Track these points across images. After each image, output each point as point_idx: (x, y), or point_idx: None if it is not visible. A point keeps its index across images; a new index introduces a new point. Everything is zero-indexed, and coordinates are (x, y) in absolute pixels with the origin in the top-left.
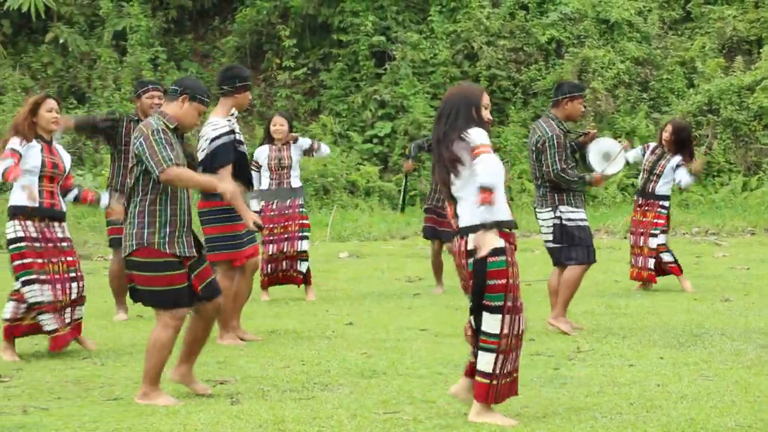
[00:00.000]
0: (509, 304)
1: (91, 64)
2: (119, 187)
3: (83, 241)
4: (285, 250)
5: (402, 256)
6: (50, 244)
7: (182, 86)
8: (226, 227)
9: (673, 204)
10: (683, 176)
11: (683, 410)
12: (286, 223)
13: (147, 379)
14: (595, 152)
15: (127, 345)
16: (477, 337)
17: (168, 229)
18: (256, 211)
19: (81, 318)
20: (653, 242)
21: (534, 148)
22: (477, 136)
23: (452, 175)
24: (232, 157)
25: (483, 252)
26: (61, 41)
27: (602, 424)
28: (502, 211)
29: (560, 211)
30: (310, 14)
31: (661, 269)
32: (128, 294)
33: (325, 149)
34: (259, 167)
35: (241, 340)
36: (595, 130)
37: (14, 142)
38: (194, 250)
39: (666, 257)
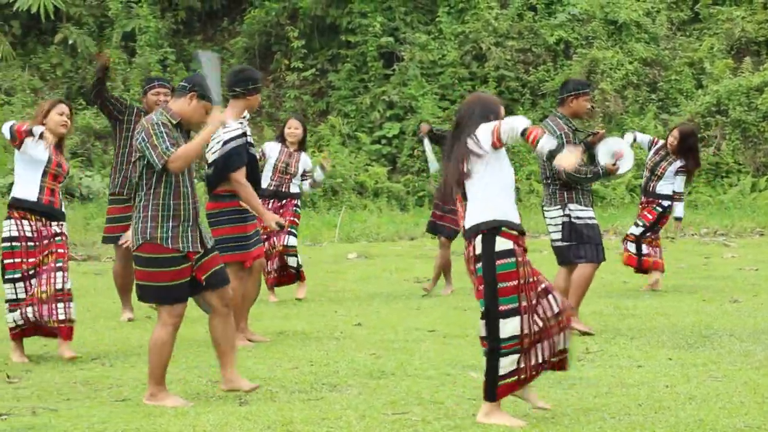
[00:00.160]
0: (524, 303)
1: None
2: (122, 178)
3: (92, 242)
4: (275, 245)
5: (410, 256)
6: (45, 241)
7: (191, 83)
8: (236, 228)
9: None
10: (679, 188)
11: (692, 411)
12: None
13: (152, 380)
14: (604, 152)
15: (135, 346)
16: (487, 344)
17: (171, 224)
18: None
19: (73, 321)
20: (631, 229)
21: None
22: (485, 128)
23: (464, 172)
24: (245, 160)
25: (568, 165)
26: (70, 42)
27: (611, 425)
28: (511, 213)
29: (569, 209)
30: (318, 15)
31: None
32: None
33: (306, 185)
34: (263, 159)
35: (249, 341)
36: (603, 131)
37: (37, 129)
38: (199, 245)
39: (630, 247)
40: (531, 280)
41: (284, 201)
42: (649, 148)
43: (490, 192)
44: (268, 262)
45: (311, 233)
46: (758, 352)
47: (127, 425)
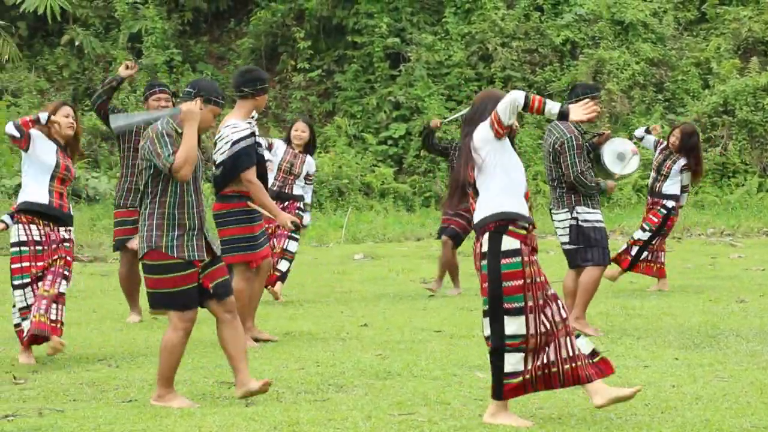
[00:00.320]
0: (530, 303)
1: (106, 66)
2: (127, 190)
3: (98, 243)
4: (274, 246)
5: (417, 257)
6: (53, 246)
7: (196, 88)
8: (243, 229)
9: (687, 205)
10: (685, 182)
11: (698, 411)
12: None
13: (161, 382)
14: (609, 153)
15: (142, 347)
16: (491, 343)
17: (176, 233)
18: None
19: (63, 324)
20: (636, 234)
21: (551, 150)
22: (482, 126)
23: (472, 167)
24: (255, 160)
25: (582, 116)
26: (76, 43)
27: (617, 426)
28: (518, 207)
29: (577, 212)
30: (324, 16)
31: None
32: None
33: (309, 192)
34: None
35: (257, 340)
36: (609, 131)
37: (42, 114)
38: (205, 254)
39: (632, 250)
40: (538, 279)
41: (287, 203)
42: (655, 148)
43: (498, 186)
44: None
45: (317, 234)
46: (765, 352)
47: (133, 426)
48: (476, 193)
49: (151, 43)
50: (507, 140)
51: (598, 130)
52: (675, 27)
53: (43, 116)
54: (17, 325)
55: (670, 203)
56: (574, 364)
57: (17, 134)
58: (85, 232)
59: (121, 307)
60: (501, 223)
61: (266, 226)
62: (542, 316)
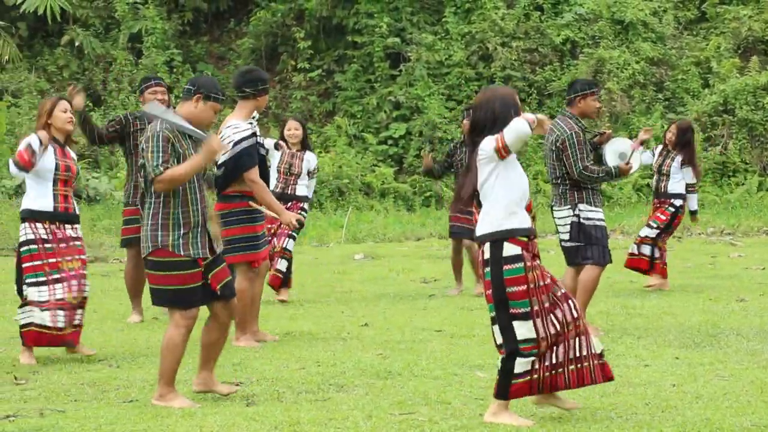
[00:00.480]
0: (536, 308)
1: (106, 66)
2: (136, 182)
3: (99, 243)
4: (275, 245)
5: (417, 257)
6: (62, 244)
7: (196, 85)
8: (246, 228)
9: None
10: (690, 180)
11: (699, 410)
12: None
13: (162, 380)
14: (611, 152)
15: (143, 347)
16: (504, 350)
17: (182, 231)
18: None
19: (81, 324)
20: (643, 231)
21: (553, 148)
22: (490, 138)
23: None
24: (257, 160)
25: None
26: (76, 44)
27: (618, 425)
28: (519, 221)
29: (579, 210)
30: (324, 16)
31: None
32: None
33: (311, 187)
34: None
35: (259, 341)
36: (610, 131)
37: (33, 140)
38: (208, 251)
39: (645, 250)
40: (542, 284)
41: (289, 204)
42: (653, 155)
43: (501, 201)
44: (270, 262)
45: (318, 234)
46: (765, 351)
47: (134, 426)
48: (479, 203)
49: (152, 43)
50: (514, 156)
51: (599, 130)
52: (675, 26)
53: (35, 142)
54: (25, 326)
55: (678, 201)
56: (579, 365)
57: (24, 173)
58: (85, 233)
59: (121, 308)
60: (500, 237)
61: (268, 226)
62: (551, 318)
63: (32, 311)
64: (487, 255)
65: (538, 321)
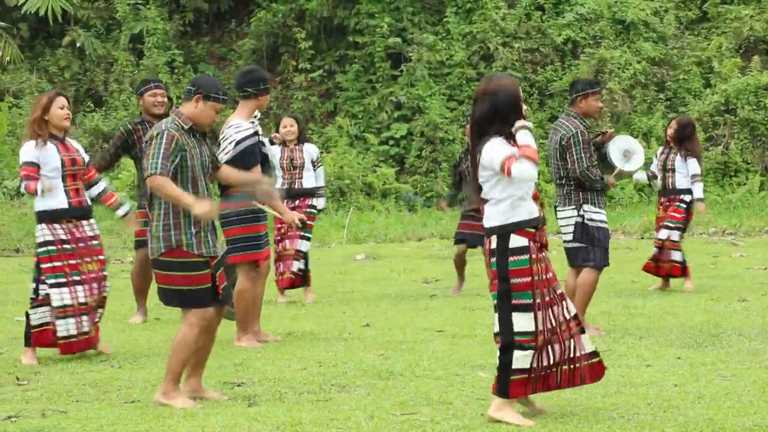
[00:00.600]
0: (538, 300)
1: (108, 67)
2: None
3: None
4: (287, 248)
5: (418, 257)
6: (81, 244)
7: (196, 85)
8: (249, 228)
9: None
10: (695, 170)
11: (701, 410)
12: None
13: (168, 378)
14: (615, 150)
15: (145, 348)
16: (500, 340)
17: (194, 230)
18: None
19: (98, 322)
20: (663, 233)
21: (558, 147)
22: (496, 152)
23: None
24: (259, 158)
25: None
26: (78, 45)
27: (619, 425)
28: (526, 213)
29: (584, 210)
30: (325, 16)
31: (663, 266)
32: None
33: (319, 175)
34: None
35: (260, 342)
36: (612, 130)
37: (28, 153)
38: (217, 250)
39: (675, 256)
40: (544, 277)
41: (297, 201)
42: (648, 175)
43: (506, 198)
44: (280, 264)
45: (319, 234)
46: (767, 351)
47: (136, 427)
48: (484, 201)
49: (153, 44)
50: None
51: (601, 129)
52: (676, 26)
53: (40, 188)
54: (40, 326)
55: (687, 197)
56: (572, 366)
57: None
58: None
59: (123, 308)
60: (508, 230)
61: (278, 226)
62: (549, 313)
63: (46, 312)
64: (493, 245)
65: (539, 314)
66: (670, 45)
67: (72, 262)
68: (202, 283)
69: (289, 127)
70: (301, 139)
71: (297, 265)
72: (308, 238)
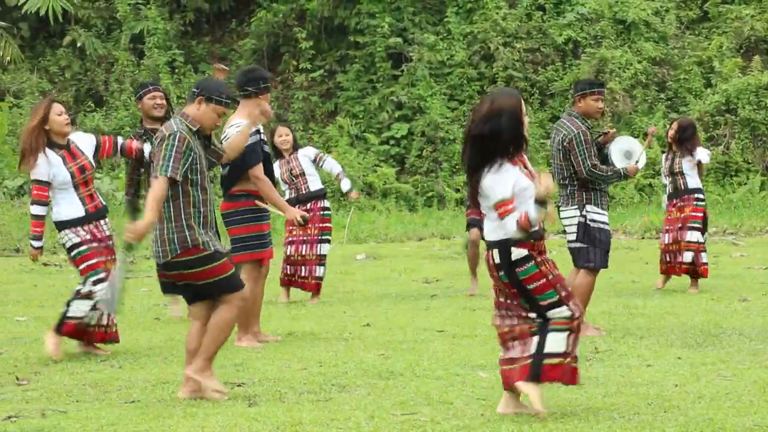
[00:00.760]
0: (563, 293)
1: (108, 67)
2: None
3: None
4: (304, 252)
5: (419, 257)
6: (102, 244)
7: (199, 87)
8: (252, 227)
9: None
10: (704, 158)
11: (701, 410)
12: (306, 226)
13: (205, 357)
14: (617, 151)
15: (145, 348)
16: (540, 323)
17: (205, 230)
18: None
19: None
20: (693, 236)
21: (560, 147)
22: (499, 190)
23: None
24: (261, 157)
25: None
26: (78, 44)
27: (620, 425)
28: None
29: (586, 211)
30: (326, 16)
31: (695, 269)
32: (161, 288)
33: (330, 164)
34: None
35: (260, 342)
36: (614, 130)
37: (39, 172)
38: (223, 248)
39: (704, 257)
40: (556, 272)
41: (309, 205)
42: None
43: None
44: (288, 267)
45: None
46: (767, 350)
47: (136, 427)
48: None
49: (153, 43)
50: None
51: (602, 130)
52: (677, 26)
53: (39, 243)
54: (68, 318)
55: (701, 195)
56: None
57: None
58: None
59: (123, 308)
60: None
61: (289, 228)
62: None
63: (81, 305)
64: (497, 260)
65: (571, 303)
66: (670, 45)
67: (103, 258)
68: (230, 268)
69: (284, 136)
70: (295, 146)
71: (321, 270)
72: (328, 241)
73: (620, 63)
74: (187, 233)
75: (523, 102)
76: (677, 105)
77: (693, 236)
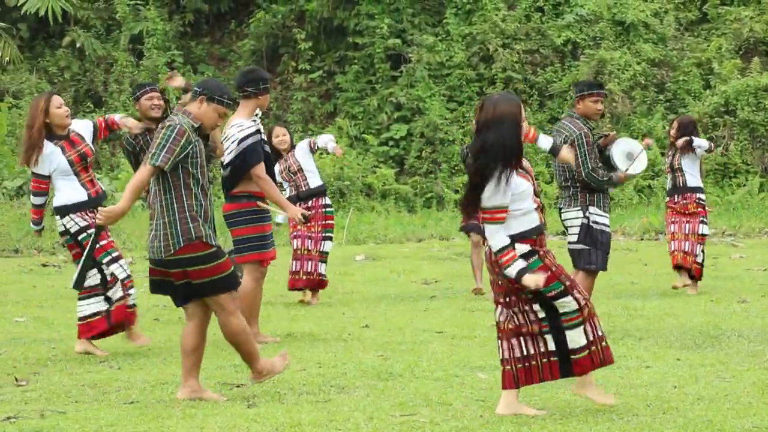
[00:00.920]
0: (568, 283)
1: (107, 67)
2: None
3: None
4: (309, 247)
5: (418, 258)
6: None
7: (202, 87)
8: (255, 228)
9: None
10: (705, 146)
11: (700, 412)
12: (309, 224)
13: (252, 361)
14: (618, 153)
15: (144, 349)
16: (551, 322)
17: (207, 223)
18: (278, 223)
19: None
20: (704, 228)
21: None
22: (494, 200)
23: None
24: (263, 156)
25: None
26: (78, 45)
27: (619, 426)
28: (529, 219)
29: (590, 212)
30: (325, 17)
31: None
32: (150, 288)
33: (322, 140)
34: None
35: (259, 343)
36: (615, 132)
37: (40, 166)
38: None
39: (700, 257)
40: (558, 264)
41: (310, 202)
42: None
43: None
44: (295, 263)
45: None
46: (766, 352)
47: (135, 428)
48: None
49: (152, 44)
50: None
51: (603, 132)
52: (676, 27)
53: (39, 227)
54: (91, 316)
55: (702, 195)
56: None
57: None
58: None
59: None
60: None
61: (292, 223)
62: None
63: (99, 301)
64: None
65: (575, 293)
66: (669, 46)
67: (112, 240)
68: (231, 266)
69: (282, 136)
70: (293, 147)
71: (323, 267)
72: (330, 238)
73: (619, 64)
74: (190, 225)
75: (522, 108)
76: (676, 106)
77: (703, 229)
